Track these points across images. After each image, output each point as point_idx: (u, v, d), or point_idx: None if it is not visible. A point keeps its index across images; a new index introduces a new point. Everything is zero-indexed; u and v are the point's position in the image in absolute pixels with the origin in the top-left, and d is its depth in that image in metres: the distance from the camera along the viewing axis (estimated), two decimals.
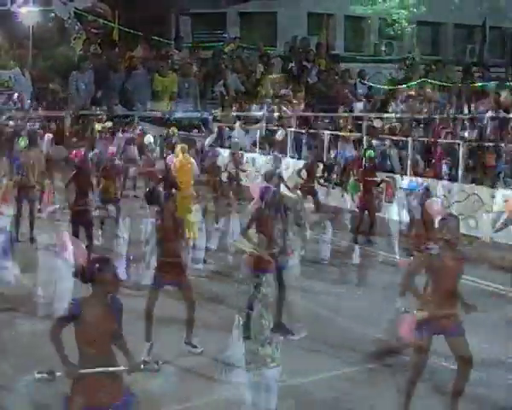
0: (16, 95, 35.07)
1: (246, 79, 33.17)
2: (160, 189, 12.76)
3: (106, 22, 39.49)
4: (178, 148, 18.74)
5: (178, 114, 31.22)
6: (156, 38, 36.26)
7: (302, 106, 26.70)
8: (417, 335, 7.41)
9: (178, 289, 9.47)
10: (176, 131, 26.22)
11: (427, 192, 11.74)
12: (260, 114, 28.66)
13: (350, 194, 19.02)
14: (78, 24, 40.25)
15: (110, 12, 39.51)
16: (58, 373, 5.64)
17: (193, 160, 18.12)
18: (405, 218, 17.82)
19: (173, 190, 11.46)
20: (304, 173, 19.20)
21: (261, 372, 8.33)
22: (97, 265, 5.72)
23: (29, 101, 35.23)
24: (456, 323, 7.50)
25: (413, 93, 24.01)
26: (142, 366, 6.04)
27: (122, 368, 5.81)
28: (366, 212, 16.86)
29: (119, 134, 26.55)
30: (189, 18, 36.20)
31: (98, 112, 30.80)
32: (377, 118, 23.28)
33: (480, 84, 24.60)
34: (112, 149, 18.93)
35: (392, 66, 28.31)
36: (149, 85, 35.80)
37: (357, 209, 17.34)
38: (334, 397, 8.27)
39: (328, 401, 8.17)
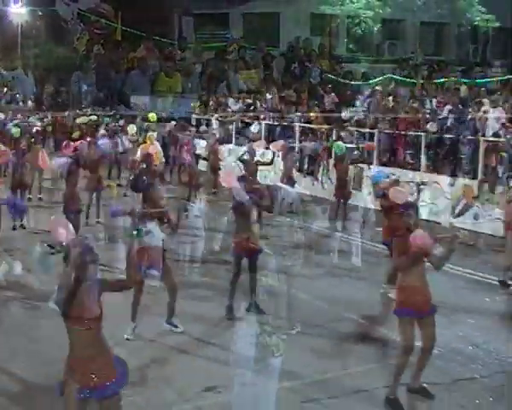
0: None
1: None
2: (144, 177, 12.74)
3: (109, 23, 38.89)
4: (148, 136, 19.68)
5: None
6: (158, 38, 35.66)
7: (305, 107, 26.31)
8: (401, 318, 7.51)
9: (162, 274, 9.47)
10: (155, 117, 26.20)
11: (394, 181, 11.78)
12: (236, 107, 28.66)
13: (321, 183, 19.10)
14: (81, 24, 39.71)
15: (113, 13, 38.94)
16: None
17: (159, 147, 18.97)
18: (372, 205, 18.00)
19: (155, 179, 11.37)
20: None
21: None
22: (78, 249, 5.65)
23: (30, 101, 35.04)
24: (429, 303, 7.60)
25: (379, 88, 24.06)
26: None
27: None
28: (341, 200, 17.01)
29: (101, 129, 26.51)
30: (191, 18, 35.53)
31: (101, 113, 30.31)
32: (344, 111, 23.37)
33: (441, 80, 24.69)
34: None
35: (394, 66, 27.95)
36: (147, 85, 35.41)
37: (333, 197, 17.42)
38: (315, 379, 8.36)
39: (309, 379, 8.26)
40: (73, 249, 5.63)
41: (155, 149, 18.10)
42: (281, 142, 19.16)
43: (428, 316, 7.51)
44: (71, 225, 6.06)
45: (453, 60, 26.77)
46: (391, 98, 22.82)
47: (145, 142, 19.61)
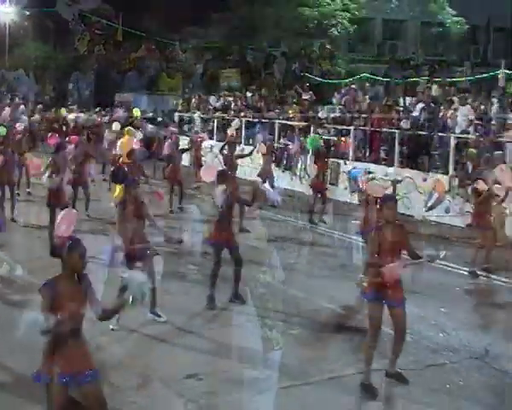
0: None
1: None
2: (126, 169, 12.74)
3: (110, 23, 38.56)
4: (126, 129, 19.97)
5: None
6: (160, 39, 35.34)
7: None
8: (370, 302, 7.55)
9: (144, 268, 9.46)
10: (139, 112, 26.14)
11: (370, 176, 11.81)
12: (218, 104, 28.65)
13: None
14: (82, 25, 39.44)
15: (114, 13, 38.62)
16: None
17: (135, 142, 18.58)
18: (349, 199, 18.10)
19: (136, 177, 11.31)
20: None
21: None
22: (67, 244, 5.64)
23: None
24: (399, 293, 7.63)
25: (354, 86, 24.12)
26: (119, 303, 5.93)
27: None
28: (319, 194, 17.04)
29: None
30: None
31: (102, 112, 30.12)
32: (322, 109, 23.40)
33: (412, 79, 24.78)
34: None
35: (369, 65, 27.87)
36: (143, 86, 35.28)
37: (311, 192, 17.44)
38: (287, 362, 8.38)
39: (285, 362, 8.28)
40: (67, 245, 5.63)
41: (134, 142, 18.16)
42: (265, 145, 19.26)
43: (399, 305, 7.55)
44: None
45: (427, 60, 26.89)
46: (366, 96, 22.86)
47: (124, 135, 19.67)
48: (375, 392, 7.43)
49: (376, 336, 7.54)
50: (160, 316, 9.41)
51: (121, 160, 16.84)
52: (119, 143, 18.04)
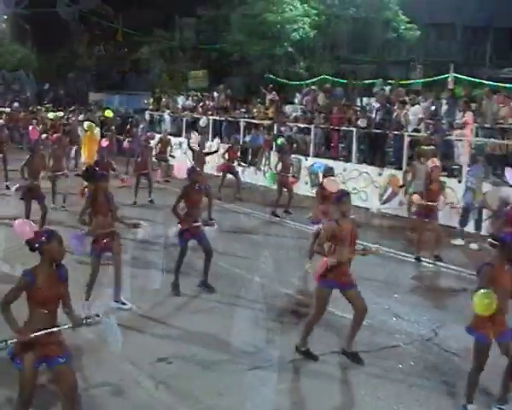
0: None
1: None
2: (96, 166, 12.68)
3: (110, 24, 38.01)
4: (86, 125, 20.16)
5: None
6: (161, 38, 34.94)
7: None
8: (321, 284, 7.65)
9: (112, 255, 9.45)
10: (110, 113, 25.95)
11: (330, 171, 11.88)
12: (186, 103, 28.54)
13: (268, 176, 19.11)
14: (82, 26, 38.92)
15: (114, 14, 38.06)
16: (10, 341, 5.52)
17: (97, 137, 19.69)
18: (310, 193, 18.16)
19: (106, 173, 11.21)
20: (226, 155, 19.37)
21: None
22: (44, 236, 5.64)
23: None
24: (350, 277, 7.76)
25: (314, 87, 24.18)
26: (84, 321, 5.96)
27: (68, 326, 5.82)
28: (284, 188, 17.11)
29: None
30: (194, 19, 34.68)
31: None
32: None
33: (368, 81, 24.94)
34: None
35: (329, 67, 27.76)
36: (115, 85, 34.94)
37: (276, 186, 17.48)
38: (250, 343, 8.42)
39: (245, 344, 8.32)
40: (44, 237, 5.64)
41: (92, 137, 18.97)
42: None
43: (350, 289, 7.67)
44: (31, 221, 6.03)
45: (381, 62, 27.08)
46: (325, 96, 22.92)
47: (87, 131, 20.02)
48: (314, 357, 7.72)
49: (319, 318, 7.81)
50: (124, 303, 9.39)
51: (85, 154, 17.00)
52: (84, 135, 18.24)
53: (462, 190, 15.72)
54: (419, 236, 12.83)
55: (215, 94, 27.96)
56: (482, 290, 6.13)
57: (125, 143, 22.93)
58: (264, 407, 6.76)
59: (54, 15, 43.01)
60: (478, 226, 14.45)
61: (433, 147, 16.24)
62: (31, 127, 15.93)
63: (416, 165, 15.53)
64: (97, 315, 6.10)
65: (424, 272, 12.31)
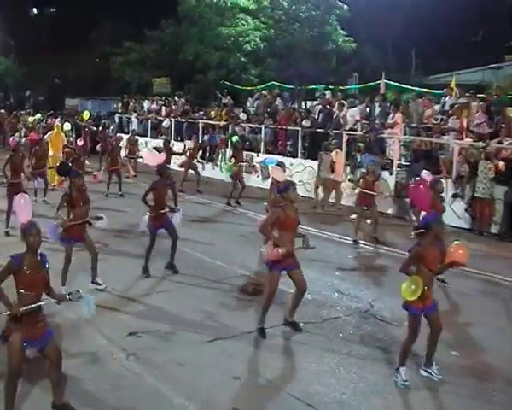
0: None
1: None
2: (70, 164, 12.45)
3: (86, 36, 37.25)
4: (55, 124, 19.97)
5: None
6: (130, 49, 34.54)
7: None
8: (273, 268, 7.65)
9: (84, 244, 9.32)
10: (88, 115, 25.57)
11: (281, 165, 11.88)
12: (151, 107, 28.26)
13: (225, 169, 19.11)
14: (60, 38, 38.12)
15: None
16: (2, 313, 5.51)
17: (65, 136, 19.38)
18: (261, 185, 18.18)
19: (81, 170, 11.01)
20: (188, 153, 19.30)
21: None
22: (24, 227, 5.64)
23: None
24: (295, 260, 7.79)
25: (265, 93, 24.16)
26: (68, 297, 5.95)
27: (54, 301, 5.84)
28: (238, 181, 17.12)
29: (43, 124, 25.93)
30: (159, 32, 33.97)
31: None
32: (243, 112, 23.38)
33: (312, 87, 25.03)
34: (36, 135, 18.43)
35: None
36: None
37: (231, 179, 17.44)
38: (207, 316, 8.40)
39: (204, 320, 8.29)
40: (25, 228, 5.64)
41: (58, 136, 18.54)
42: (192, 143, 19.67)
43: (295, 269, 7.71)
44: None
45: (324, 71, 27.16)
46: (273, 100, 22.95)
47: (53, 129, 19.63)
48: (265, 334, 7.69)
49: (272, 298, 7.78)
50: (99, 284, 9.30)
51: (52, 149, 16.80)
52: (47, 136, 18.01)
53: (393, 181, 15.99)
54: (357, 222, 12.96)
55: (177, 99, 27.81)
56: (408, 279, 6.33)
57: (98, 145, 22.56)
58: (223, 373, 6.74)
59: (34, 31, 42.68)
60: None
61: (336, 140, 17.15)
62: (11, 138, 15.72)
63: (322, 155, 16.56)
64: (78, 291, 6.08)
65: (362, 252, 12.43)
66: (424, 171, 10.74)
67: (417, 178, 10.94)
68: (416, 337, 6.53)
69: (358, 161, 16.93)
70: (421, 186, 8.54)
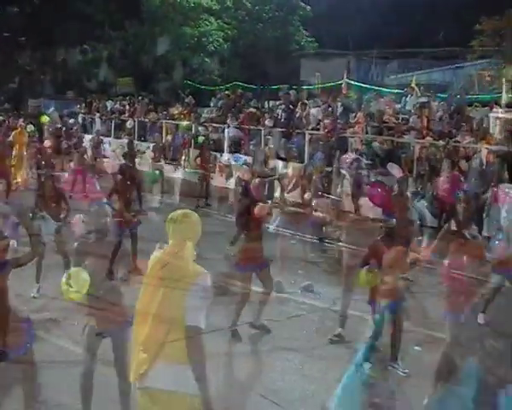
0: None
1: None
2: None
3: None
4: (19, 124, 20.29)
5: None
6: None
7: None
8: (243, 270, 7.67)
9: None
10: (47, 119, 25.23)
11: (247, 164, 11.92)
12: (115, 107, 28.02)
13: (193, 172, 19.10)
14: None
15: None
16: None
17: (27, 136, 19.67)
18: (225, 184, 18.16)
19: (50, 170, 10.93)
20: (151, 154, 19.23)
21: None
22: None
23: None
24: (264, 259, 7.82)
25: (228, 92, 24.16)
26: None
27: None
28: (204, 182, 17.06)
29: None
30: (123, 33, 33.64)
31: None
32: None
33: (275, 86, 25.11)
34: None
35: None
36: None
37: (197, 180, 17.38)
38: None
39: None
40: None
41: (22, 136, 18.92)
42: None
43: (264, 268, 7.74)
44: None
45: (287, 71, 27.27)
46: (236, 99, 22.97)
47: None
48: (239, 337, 7.68)
49: (246, 299, 7.79)
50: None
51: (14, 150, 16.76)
52: (11, 135, 17.99)
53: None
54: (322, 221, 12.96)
55: (140, 98, 27.65)
56: (365, 268, 6.48)
57: (63, 144, 22.24)
58: None
59: None
60: None
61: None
62: None
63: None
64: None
65: (325, 250, 12.48)
66: (395, 167, 10.81)
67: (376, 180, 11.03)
68: (380, 334, 6.56)
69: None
70: (378, 188, 8.62)
